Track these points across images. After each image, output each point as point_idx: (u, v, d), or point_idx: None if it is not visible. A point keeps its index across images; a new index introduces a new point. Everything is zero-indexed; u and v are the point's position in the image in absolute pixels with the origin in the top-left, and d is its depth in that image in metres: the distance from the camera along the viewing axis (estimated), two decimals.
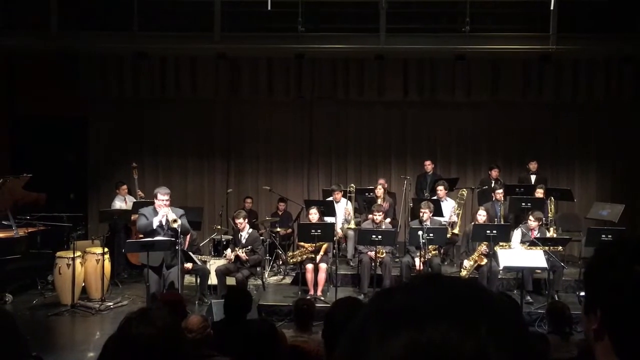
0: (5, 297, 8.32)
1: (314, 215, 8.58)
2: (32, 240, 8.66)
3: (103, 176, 11.59)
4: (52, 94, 11.06)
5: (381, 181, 10.18)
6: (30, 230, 8.68)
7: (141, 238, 7.63)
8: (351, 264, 9.46)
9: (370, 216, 8.82)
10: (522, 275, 7.96)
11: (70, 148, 11.79)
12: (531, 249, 7.95)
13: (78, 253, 8.44)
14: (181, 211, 7.57)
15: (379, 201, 9.55)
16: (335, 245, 8.85)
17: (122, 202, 10.12)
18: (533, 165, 10.64)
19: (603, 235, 7.73)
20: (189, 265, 8.12)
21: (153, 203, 7.55)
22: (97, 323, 7.87)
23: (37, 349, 5.40)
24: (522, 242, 8.30)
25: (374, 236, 8.02)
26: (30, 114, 11.44)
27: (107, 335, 2.74)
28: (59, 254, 8.50)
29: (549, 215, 9.33)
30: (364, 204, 9.97)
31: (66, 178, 11.46)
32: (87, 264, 8.58)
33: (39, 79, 11.07)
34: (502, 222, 9.15)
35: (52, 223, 9.07)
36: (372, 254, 8.26)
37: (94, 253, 8.62)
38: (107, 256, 8.67)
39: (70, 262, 8.20)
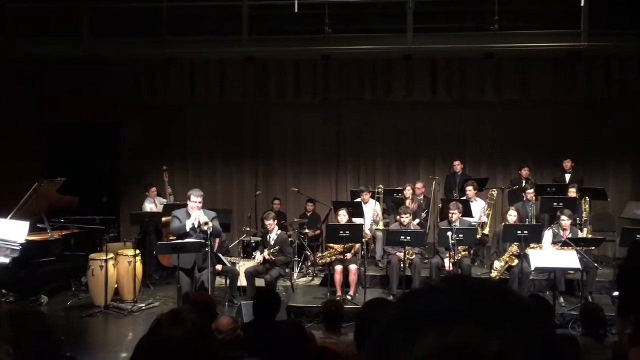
0: (40, 298, 8.50)
1: (342, 216, 8.57)
2: (66, 243, 8.83)
3: (134, 180, 11.76)
4: (83, 100, 11.26)
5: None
6: (64, 232, 8.85)
7: (171, 240, 7.72)
8: (380, 265, 9.41)
9: (397, 217, 8.76)
10: (554, 276, 7.83)
11: (102, 153, 12.00)
12: (563, 249, 7.81)
13: (110, 255, 8.59)
14: (213, 214, 7.60)
15: (407, 202, 9.49)
16: (364, 247, 8.83)
17: (152, 204, 10.26)
18: (567, 164, 10.35)
19: (638, 235, 7.56)
20: (218, 267, 8.20)
21: (184, 205, 7.64)
22: (130, 324, 7.99)
23: (71, 349, 5.50)
24: (554, 242, 8.16)
25: (402, 237, 7.97)
26: (63, 120, 11.64)
27: (139, 336, 2.78)
28: (92, 256, 8.66)
29: (583, 215, 9.13)
30: (392, 205, 9.91)
31: (98, 182, 11.68)
32: (119, 266, 8.72)
33: (70, 85, 11.25)
34: (534, 222, 9.01)
35: (85, 226, 9.27)
36: (401, 254, 8.22)
37: (126, 255, 8.76)
38: (138, 258, 8.80)
39: (103, 264, 8.35)
